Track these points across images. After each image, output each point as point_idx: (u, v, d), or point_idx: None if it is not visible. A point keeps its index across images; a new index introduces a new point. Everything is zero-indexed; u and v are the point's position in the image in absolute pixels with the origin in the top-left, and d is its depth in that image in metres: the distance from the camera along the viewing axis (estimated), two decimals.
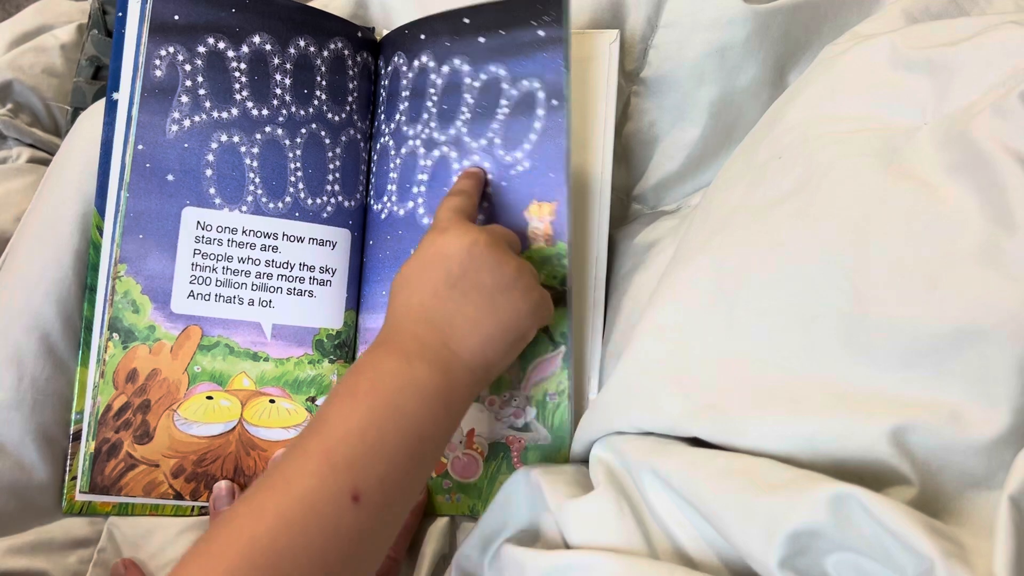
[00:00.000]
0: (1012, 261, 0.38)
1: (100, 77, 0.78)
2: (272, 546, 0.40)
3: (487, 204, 0.61)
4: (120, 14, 0.60)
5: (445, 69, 0.61)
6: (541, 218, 0.59)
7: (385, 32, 0.67)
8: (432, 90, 0.62)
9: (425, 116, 0.62)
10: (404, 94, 0.64)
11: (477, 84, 0.61)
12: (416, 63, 0.63)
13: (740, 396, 0.43)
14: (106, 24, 0.78)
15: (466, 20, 0.60)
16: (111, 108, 0.60)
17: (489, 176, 0.60)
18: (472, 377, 0.50)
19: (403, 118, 0.64)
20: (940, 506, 0.37)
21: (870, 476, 0.38)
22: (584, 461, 0.54)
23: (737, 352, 0.45)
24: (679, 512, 0.43)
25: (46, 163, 0.75)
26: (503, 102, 0.60)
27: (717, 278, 0.48)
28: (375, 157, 0.66)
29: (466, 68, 0.61)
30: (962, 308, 0.38)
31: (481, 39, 0.60)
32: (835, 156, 0.46)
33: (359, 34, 0.65)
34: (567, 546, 0.46)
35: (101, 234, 0.60)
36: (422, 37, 0.62)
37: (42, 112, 0.79)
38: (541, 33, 0.58)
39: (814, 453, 0.39)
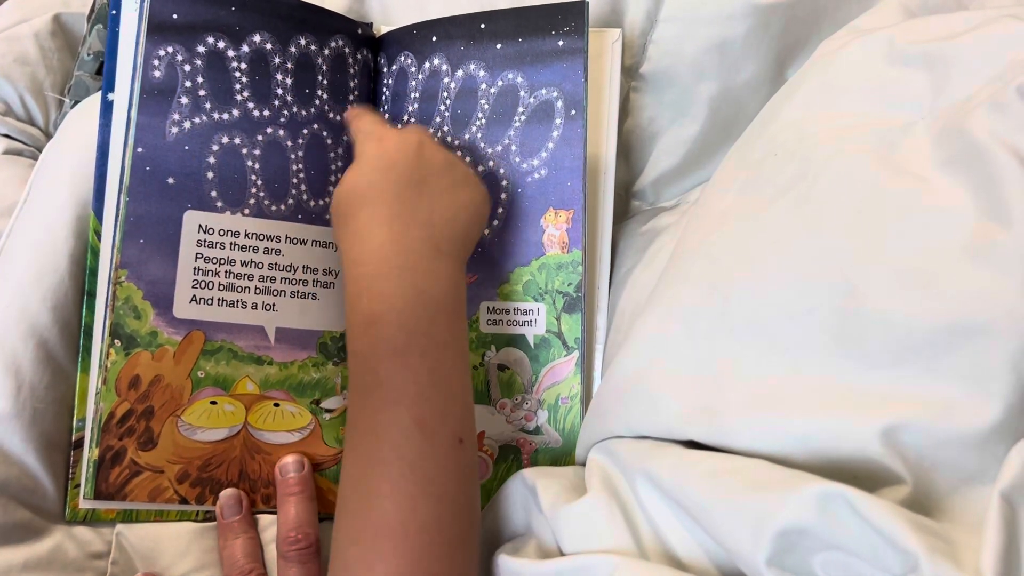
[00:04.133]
0: (1006, 256, 0.40)
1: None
2: (432, 522, 0.47)
3: (502, 210, 0.63)
4: (114, 12, 0.61)
5: (459, 73, 0.64)
6: (557, 225, 0.62)
7: (384, 28, 0.69)
8: (445, 94, 0.64)
9: (438, 120, 0.65)
10: (413, 95, 0.66)
11: (493, 90, 0.63)
12: (427, 65, 0.65)
13: (734, 397, 0.45)
14: None
15: (483, 26, 0.63)
16: (106, 109, 0.61)
17: (504, 182, 0.63)
18: (462, 268, 0.55)
19: (412, 120, 0.66)
20: (933, 503, 0.39)
21: (864, 476, 0.40)
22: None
23: (731, 352, 0.46)
24: (671, 515, 0.44)
25: (22, 154, 0.76)
26: (520, 109, 0.63)
27: (712, 277, 0.49)
28: None
29: (482, 74, 0.63)
30: (957, 304, 0.40)
31: (498, 45, 0.63)
32: (830, 152, 0.48)
33: (359, 31, 0.67)
34: (561, 550, 0.48)
35: (100, 238, 0.61)
36: (433, 39, 0.64)
37: (16, 101, 0.80)
38: (560, 43, 0.61)
39: (808, 454, 0.41)
